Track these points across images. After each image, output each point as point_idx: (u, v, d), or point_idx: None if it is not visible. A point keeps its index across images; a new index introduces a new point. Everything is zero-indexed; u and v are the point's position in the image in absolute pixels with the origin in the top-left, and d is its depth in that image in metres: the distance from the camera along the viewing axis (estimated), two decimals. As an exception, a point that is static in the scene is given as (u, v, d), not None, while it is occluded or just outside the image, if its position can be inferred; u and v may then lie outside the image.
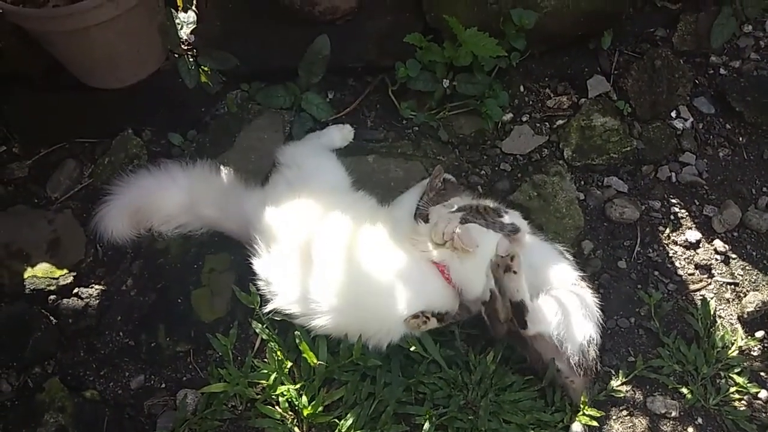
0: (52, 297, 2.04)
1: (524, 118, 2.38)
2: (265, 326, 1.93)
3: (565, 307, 1.79)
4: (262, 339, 1.94)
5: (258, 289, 1.93)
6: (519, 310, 1.75)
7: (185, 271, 2.07)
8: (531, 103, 2.42)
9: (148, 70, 2.21)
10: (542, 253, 1.92)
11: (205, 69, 2.24)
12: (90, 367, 1.97)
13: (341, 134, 2.25)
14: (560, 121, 2.37)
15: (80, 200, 2.23)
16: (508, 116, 2.38)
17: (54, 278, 2.07)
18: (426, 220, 1.92)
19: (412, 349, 1.87)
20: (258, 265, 1.89)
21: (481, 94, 2.29)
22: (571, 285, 1.87)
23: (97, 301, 2.05)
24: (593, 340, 1.80)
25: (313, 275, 1.79)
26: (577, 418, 1.83)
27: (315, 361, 1.83)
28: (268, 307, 1.86)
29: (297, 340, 1.84)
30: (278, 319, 1.91)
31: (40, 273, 2.07)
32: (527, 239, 1.89)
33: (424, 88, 2.27)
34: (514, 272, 1.76)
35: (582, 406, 1.84)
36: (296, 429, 1.84)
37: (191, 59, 2.19)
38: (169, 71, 2.25)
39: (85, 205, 2.21)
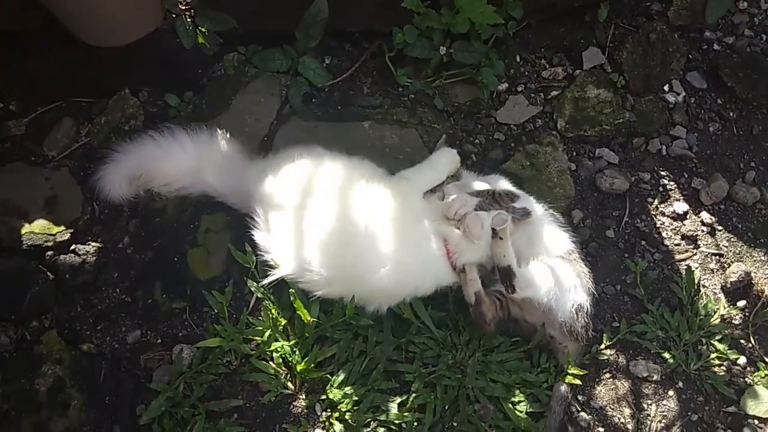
0: (50, 253, 2.06)
1: (519, 88, 2.41)
2: (260, 285, 1.97)
3: (556, 274, 1.84)
4: (257, 297, 1.98)
5: (254, 249, 1.96)
6: (506, 275, 1.80)
7: (181, 230, 2.10)
8: (526, 73, 2.44)
9: (146, 29, 2.21)
10: (540, 221, 1.96)
11: (203, 30, 2.23)
12: (87, 321, 2.00)
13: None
14: (555, 92, 2.40)
15: (77, 159, 2.24)
16: (504, 86, 2.40)
17: (51, 235, 2.09)
18: (442, 198, 1.95)
19: (404, 315, 1.91)
20: (258, 235, 1.92)
21: (477, 63, 2.31)
22: (566, 254, 1.92)
23: (94, 257, 2.07)
24: (583, 307, 1.85)
25: (314, 243, 1.82)
26: (561, 378, 1.89)
27: (308, 318, 1.87)
28: (269, 279, 1.89)
29: (291, 298, 1.88)
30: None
31: (38, 229, 2.09)
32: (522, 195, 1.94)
33: (420, 54, 2.28)
34: (500, 238, 1.81)
35: (566, 365, 1.89)
36: (289, 383, 1.89)
37: (189, 19, 2.18)
38: (167, 31, 2.24)
39: (82, 163, 2.22)
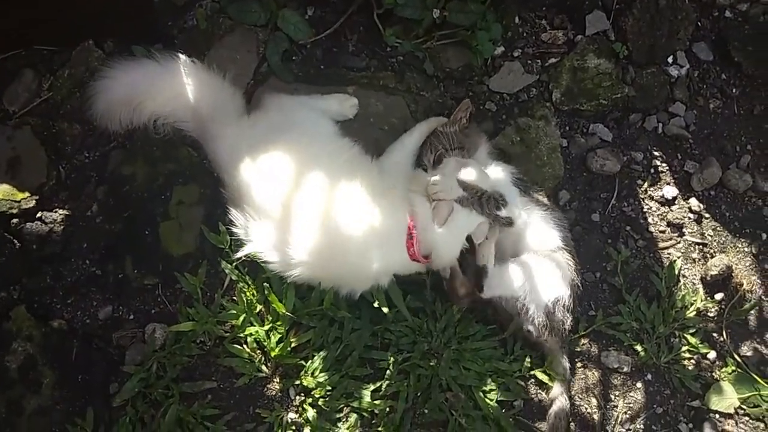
0: (15, 221, 1.97)
1: (516, 53, 2.24)
2: (234, 266, 1.92)
3: (533, 271, 1.82)
4: (231, 278, 1.93)
5: (228, 228, 1.90)
6: (479, 274, 1.77)
7: (152, 201, 2.01)
8: (525, 35, 2.27)
9: (108, -23, 1.99)
10: (530, 217, 1.90)
11: (172, -22, 2.03)
12: (56, 294, 1.96)
13: (341, 106, 2.06)
14: (553, 59, 2.24)
15: (40, 116, 2.09)
16: (500, 50, 2.24)
17: (16, 201, 1.99)
18: (437, 161, 1.88)
19: (376, 304, 1.89)
20: (234, 213, 1.85)
21: (472, 24, 2.14)
22: (551, 251, 1.88)
23: (62, 226, 1.99)
24: (559, 301, 1.84)
25: (288, 227, 1.77)
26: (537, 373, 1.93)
27: (283, 310, 1.84)
28: (241, 253, 1.84)
29: (266, 291, 1.84)
30: (248, 259, 1.90)
31: (1, 195, 1.99)
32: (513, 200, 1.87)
33: (411, 15, 2.10)
34: (485, 238, 1.77)
35: (545, 364, 1.92)
36: (264, 367, 1.90)
37: (157, -34, 1.97)
38: (133, -22, 2.03)
39: (45, 121, 2.08)
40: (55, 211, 2.01)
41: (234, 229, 1.86)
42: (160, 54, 1.99)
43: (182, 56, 2.00)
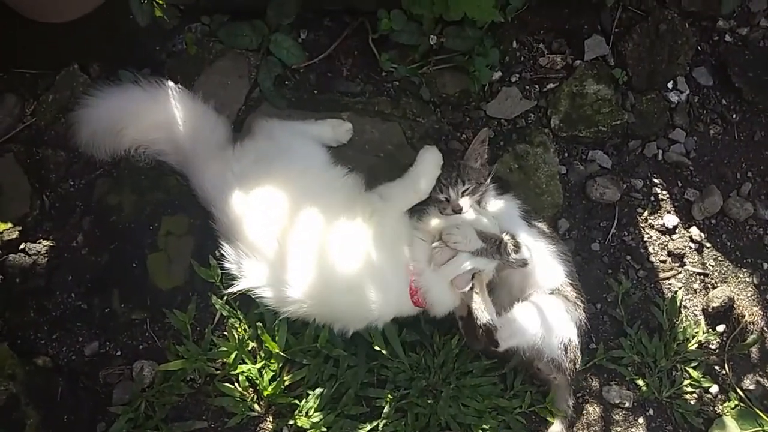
0: (-3, 253, 1.90)
1: (513, 78, 2.20)
2: (225, 300, 1.86)
3: (544, 313, 1.76)
4: (222, 314, 1.87)
5: (219, 262, 1.83)
6: (487, 330, 1.72)
7: (140, 231, 1.94)
8: (523, 59, 2.22)
9: (93, 3, 1.92)
10: (537, 251, 1.85)
11: (160, 2, 1.96)
12: (41, 329, 1.89)
13: (334, 132, 1.98)
14: (551, 85, 2.20)
15: (23, 143, 2.02)
16: (497, 75, 2.19)
17: (-2, 232, 1.92)
18: (446, 204, 1.82)
19: (376, 347, 1.84)
20: (226, 248, 1.79)
21: (469, 50, 2.09)
22: (559, 287, 1.84)
23: (46, 258, 1.92)
24: (571, 342, 1.79)
25: (282, 264, 1.71)
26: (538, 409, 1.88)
27: (276, 350, 1.78)
28: (233, 289, 1.79)
29: (259, 331, 1.78)
30: (240, 293, 1.83)
31: (-18, 226, 1.92)
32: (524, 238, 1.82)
33: (408, 41, 2.05)
34: (475, 292, 1.72)
35: (546, 400, 1.88)
36: (256, 406, 1.84)
37: (144, -10, 1.90)
38: (119, 2, 1.95)
39: (28, 148, 2.02)
40: (39, 242, 1.94)
41: (226, 264, 1.80)
42: (147, 80, 1.93)
43: (169, 83, 1.94)
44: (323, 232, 1.72)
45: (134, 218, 1.95)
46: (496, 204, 1.90)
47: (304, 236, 1.72)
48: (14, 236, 1.93)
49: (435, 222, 1.81)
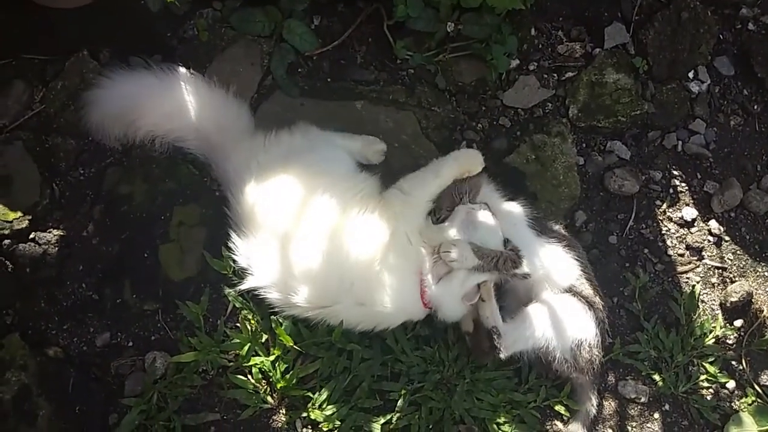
0: (7, 242, 1.87)
1: (531, 67, 2.15)
2: (238, 293, 1.84)
3: (553, 314, 1.74)
4: (234, 306, 1.85)
5: (231, 252, 1.81)
6: (491, 336, 1.71)
7: (151, 221, 1.92)
8: (541, 47, 2.18)
9: (103, -13, 1.88)
10: (545, 252, 1.81)
11: (172, -14, 1.91)
12: (52, 320, 1.87)
13: (365, 149, 1.94)
14: (570, 74, 2.15)
15: (32, 130, 1.98)
16: (515, 63, 2.14)
17: (7, 221, 1.89)
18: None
19: (387, 341, 1.83)
20: (237, 242, 1.76)
21: (487, 37, 2.04)
22: (574, 285, 1.81)
23: (56, 248, 1.90)
24: (585, 341, 1.77)
25: (292, 261, 1.68)
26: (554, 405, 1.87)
27: (291, 343, 1.76)
28: (244, 286, 1.76)
29: (273, 325, 1.76)
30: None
31: (-9, 215, 1.90)
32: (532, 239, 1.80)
33: (424, 28, 2.01)
34: (482, 300, 1.72)
35: (561, 395, 1.86)
36: (269, 398, 1.82)
37: (155, -25, 1.86)
38: (129, -13, 1.92)
39: (37, 136, 1.98)
40: (49, 232, 1.91)
41: (236, 258, 1.77)
42: (160, 66, 1.89)
43: (182, 69, 1.90)
44: (337, 234, 1.69)
45: (146, 208, 1.93)
46: (502, 210, 1.85)
47: (316, 233, 1.69)
48: (24, 225, 1.90)
49: (433, 233, 1.76)
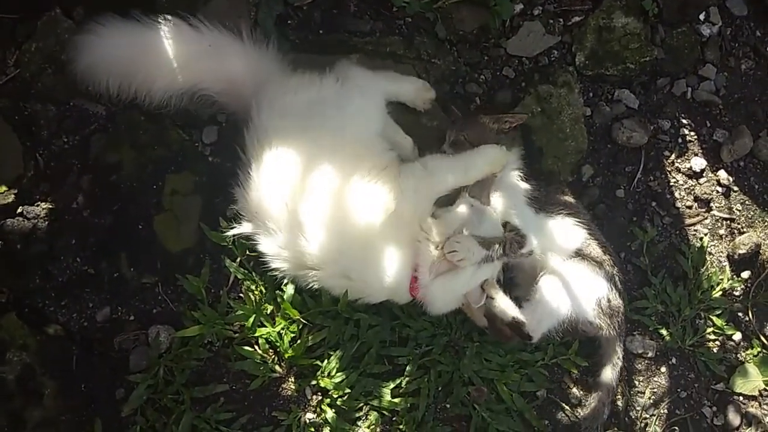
0: (-6, 218, 1.80)
1: (536, 12, 2.03)
2: (239, 263, 1.78)
3: (567, 284, 1.72)
4: (236, 277, 1.80)
5: (229, 220, 1.75)
6: (516, 327, 1.69)
7: (143, 191, 1.84)
8: (546, -12, 2.05)
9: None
10: (549, 223, 1.79)
11: (148, -66, 1.75)
12: (48, 296, 1.81)
13: (415, 94, 1.86)
14: (576, 18, 2.04)
15: (8, 97, 1.87)
16: (518, 7, 2.02)
17: (-8, 196, 1.81)
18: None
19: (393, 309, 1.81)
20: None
21: (489, -20, 1.92)
22: (581, 249, 1.79)
23: (46, 222, 1.82)
24: (602, 298, 1.76)
25: (300, 225, 1.63)
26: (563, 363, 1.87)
27: (297, 315, 1.73)
28: (234, 231, 1.74)
29: (279, 299, 1.72)
30: (254, 254, 1.76)
31: (-26, 190, 1.80)
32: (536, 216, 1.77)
33: (423, -28, 1.87)
34: (491, 298, 1.69)
35: (569, 352, 1.86)
36: (277, 367, 1.80)
37: None
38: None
39: (15, 103, 1.87)
40: (37, 205, 1.83)
41: (238, 227, 1.71)
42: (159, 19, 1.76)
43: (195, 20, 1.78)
44: (338, 198, 1.63)
45: (136, 177, 1.85)
46: (506, 182, 1.80)
47: (318, 195, 1.64)
48: (10, 200, 1.82)
49: (436, 227, 1.70)
